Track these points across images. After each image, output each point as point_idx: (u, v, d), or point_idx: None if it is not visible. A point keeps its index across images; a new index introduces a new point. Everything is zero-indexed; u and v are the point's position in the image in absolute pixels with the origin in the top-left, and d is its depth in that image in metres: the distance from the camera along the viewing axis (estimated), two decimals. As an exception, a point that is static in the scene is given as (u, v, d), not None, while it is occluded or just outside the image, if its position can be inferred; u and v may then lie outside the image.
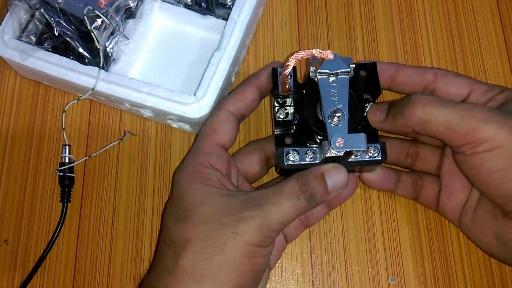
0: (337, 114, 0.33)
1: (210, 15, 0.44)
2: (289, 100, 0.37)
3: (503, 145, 0.32)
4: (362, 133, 0.33)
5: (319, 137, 0.36)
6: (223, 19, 0.43)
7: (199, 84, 0.40)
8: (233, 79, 0.45)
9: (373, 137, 0.37)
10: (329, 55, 0.34)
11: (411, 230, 0.42)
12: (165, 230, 0.35)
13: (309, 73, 0.35)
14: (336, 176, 0.34)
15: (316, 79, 0.35)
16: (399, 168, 0.42)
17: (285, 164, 0.35)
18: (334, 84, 0.34)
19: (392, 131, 0.38)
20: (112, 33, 0.41)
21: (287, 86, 0.36)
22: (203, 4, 0.44)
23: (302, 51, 0.34)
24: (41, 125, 0.44)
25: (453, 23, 0.47)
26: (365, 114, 0.37)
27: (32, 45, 0.41)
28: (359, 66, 0.37)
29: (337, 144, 0.33)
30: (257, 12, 0.45)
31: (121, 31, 0.42)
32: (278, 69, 0.36)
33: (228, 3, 0.43)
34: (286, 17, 0.47)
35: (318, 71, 0.34)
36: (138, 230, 0.42)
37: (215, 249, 0.31)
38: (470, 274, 0.41)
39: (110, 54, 0.42)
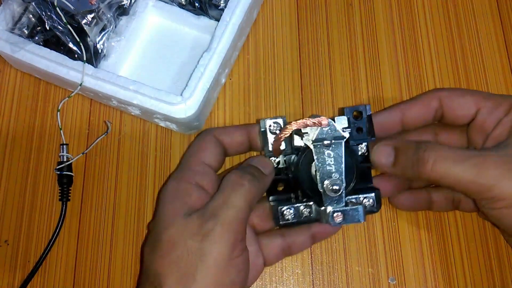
0: (334, 187, 0.33)
1: (203, 15, 0.44)
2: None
3: None
4: (360, 206, 0.33)
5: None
6: (216, 20, 0.43)
7: (186, 85, 0.40)
8: (223, 80, 0.44)
9: (366, 181, 0.37)
10: (323, 121, 0.33)
11: (411, 230, 0.42)
12: (143, 262, 0.34)
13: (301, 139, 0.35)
14: (261, 162, 0.36)
15: (310, 146, 0.34)
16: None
17: (281, 223, 0.36)
18: (330, 151, 0.33)
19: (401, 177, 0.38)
20: (103, 29, 0.41)
21: (279, 150, 0.36)
22: (196, 4, 0.44)
23: (295, 123, 0.33)
24: (41, 124, 0.44)
25: (453, 23, 0.47)
26: (360, 152, 0.37)
27: (23, 38, 0.41)
28: (352, 110, 0.37)
29: (336, 220, 0.33)
30: (250, 15, 0.44)
31: (112, 28, 0.42)
32: (267, 121, 0.36)
33: (221, 5, 0.43)
34: (286, 17, 0.47)
35: (312, 140, 0.33)
36: (138, 231, 0.42)
37: (189, 279, 0.31)
38: (470, 274, 0.41)
39: (100, 50, 0.42)
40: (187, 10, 0.44)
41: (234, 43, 0.42)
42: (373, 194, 0.36)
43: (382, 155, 0.36)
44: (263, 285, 0.40)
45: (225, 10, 0.41)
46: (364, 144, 0.37)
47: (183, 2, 0.44)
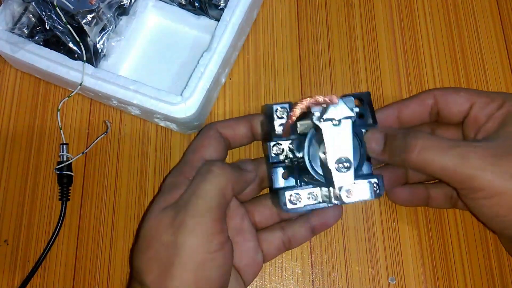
0: (345, 164, 0.32)
1: (203, 15, 0.44)
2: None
3: (500, 194, 0.31)
4: (367, 182, 0.33)
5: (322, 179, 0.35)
6: (216, 20, 0.43)
7: (186, 84, 0.40)
8: (223, 80, 0.45)
9: (368, 168, 0.37)
10: (333, 99, 0.32)
11: (411, 230, 0.42)
12: (131, 258, 0.35)
13: (311, 118, 0.34)
14: (241, 163, 0.37)
15: (319, 125, 0.33)
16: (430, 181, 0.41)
17: (289, 209, 0.35)
18: (339, 130, 0.33)
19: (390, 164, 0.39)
20: (103, 29, 0.41)
21: (289, 130, 0.35)
22: (196, 4, 0.44)
23: (307, 99, 0.33)
24: (41, 124, 0.44)
25: (453, 23, 0.47)
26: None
27: (23, 38, 0.41)
28: (353, 97, 0.37)
29: (345, 198, 0.32)
30: (250, 15, 0.44)
31: (112, 28, 0.42)
32: (274, 106, 0.36)
33: (221, 5, 0.43)
34: (286, 17, 0.47)
35: (323, 118, 0.33)
36: (138, 230, 0.42)
37: (167, 275, 0.30)
38: (470, 274, 0.41)
39: (100, 50, 0.42)
40: (187, 10, 0.44)
41: (234, 43, 0.42)
42: (375, 179, 0.36)
43: (373, 140, 0.36)
44: (263, 285, 0.40)
45: (225, 10, 0.41)
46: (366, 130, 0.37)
47: (183, 2, 0.44)
